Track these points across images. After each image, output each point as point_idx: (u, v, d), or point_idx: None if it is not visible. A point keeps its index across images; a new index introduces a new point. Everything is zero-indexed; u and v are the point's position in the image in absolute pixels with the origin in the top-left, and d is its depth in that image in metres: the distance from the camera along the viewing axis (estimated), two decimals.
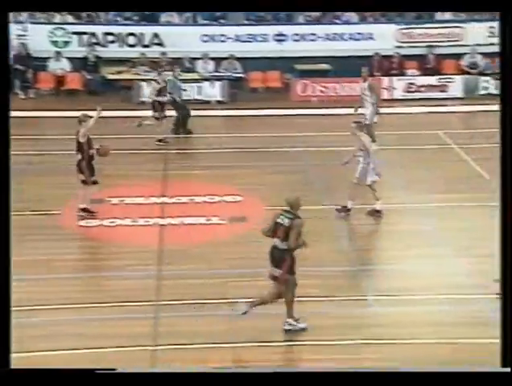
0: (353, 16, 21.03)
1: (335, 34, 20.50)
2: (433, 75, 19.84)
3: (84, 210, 11.66)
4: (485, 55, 19.94)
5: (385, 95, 19.71)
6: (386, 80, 19.80)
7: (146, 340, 8.30)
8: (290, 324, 8.52)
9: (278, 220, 8.50)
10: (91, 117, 11.63)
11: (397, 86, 19.65)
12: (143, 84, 19.12)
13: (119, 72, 19.72)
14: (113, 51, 20.05)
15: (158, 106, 15.66)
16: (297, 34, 20.52)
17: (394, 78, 19.79)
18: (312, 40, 20.42)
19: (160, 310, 8.97)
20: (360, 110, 15.48)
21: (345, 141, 15.72)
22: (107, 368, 5.00)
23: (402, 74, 20.07)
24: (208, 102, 19.13)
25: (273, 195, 12.88)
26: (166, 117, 15.82)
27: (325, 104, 18.74)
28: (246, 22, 20.97)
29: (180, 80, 17.14)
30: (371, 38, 20.43)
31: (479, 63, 19.86)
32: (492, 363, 7.76)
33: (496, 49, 22.65)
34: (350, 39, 20.45)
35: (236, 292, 9.40)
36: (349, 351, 8.11)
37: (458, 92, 19.59)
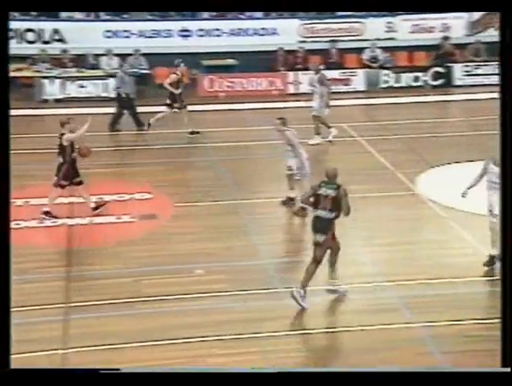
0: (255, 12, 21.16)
1: (239, 29, 20.58)
2: (336, 69, 20.25)
3: (46, 213, 11.48)
4: (384, 49, 20.54)
5: (291, 89, 20.00)
6: (291, 75, 20.05)
7: (56, 344, 8.09)
8: (334, 285, 9.17)
9: (321, 192, 8.97)
10: (71, 120, 11.64)
11: (302, 80, 19.94)
12: (45, 81, 18.59)
13: (19, 70, 19.06)
14: (12, 47, 19.32)
15: (178, 98, 15.69)
16: (202, 30, 20.47)
17: (299, 72, 20.08)
18: (217, 36, 20.43)
19: (71, 312, 8.76)
20: (309, 103, 15.73)
21: (254, 136, 15.90)
22: (111, 368, 5.02)
23: (307, 68, 20.38)
24: (114, 99, 18.79)
25: (182, 192, 12.86)
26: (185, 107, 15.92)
27: (233, 100, 18.80)
28: (150, 17, 20.73)
29: (130, 75, 16.97)
30: (275, 33, 20.64)
31: (379, 57, 20.43)
32: (401, 349, 8.09)
33: (394, 43, 23.51)
34: (255, 34, 20.59)
35: (150, 290, 9.31)
36: (261, 344, 8.16)
37: (360, 85, 20.09)
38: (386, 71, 20.17)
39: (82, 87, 19.01)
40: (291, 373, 5.12)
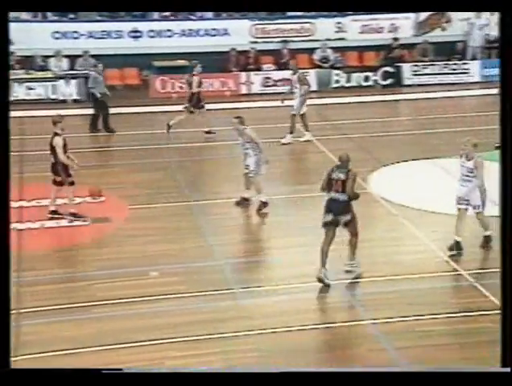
0: (206, 12, 21.12)
1: (190, 30, 20.53)
2: (288, 69, 20.34)
3: (54, 212, 11.40)
4: (334, 49, 20.74)
5: (243, 90, 20.03)
6: (243, 75, 20.09)
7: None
8: (351, 266, 9.58)
9: (334, 176, 9.58)
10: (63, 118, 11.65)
11: (254, 81, 20.00)
12: None
13: None
14: None
15: (196, 98, 15.65)
16: (153, 31, 20.35)
17: (252, 73, 20.12)
18: (169, 36, 20.34)
19: (22, 319, 8.59)
20: (289, 102, 15.80)
21: (208, 137, 15.87)
22: (113, 368, 5.00)
23: (259, 69, 20.45)
24: (64, 101, 18.55)
25: (136, 194, 12.75)
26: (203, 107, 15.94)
27: (185, 101, 18.72)
28: (99, 18, 20.51)
29: (102, 75, 16.72)
30: (226, 33, 20.65)
31: (330, 57, 20.61)
32: (355, 346, 8.18)
33: (345, 43, 23.64)
34: (206, 34, 20.57)
35: (104, 294, 9.20)
36: (219, 345, 8.15)
37: (312, 85, 20.21)
38: (336, 71, 20.37)
39: (31, 89, 18.70)
40: (291, 373, 5.09)
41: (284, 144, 15.03)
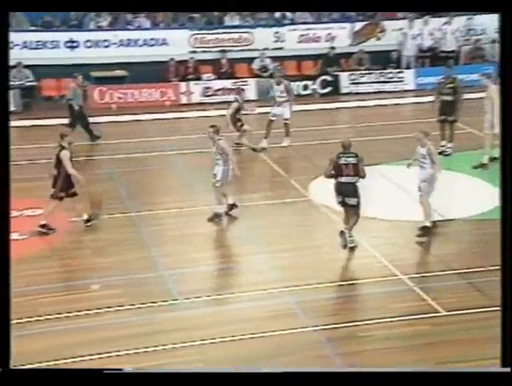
0: (144, 22, 21.04)
1: (128, 40, 20.40)
2: (228, 78, 20.45)
3: (43, 226, 11.37)
4: (273, 58, 20.93)
5: (183, 100, 20.00)
6: (183, 85, 20.06)
7: None
8: (352, 240, 10.55)
9: (342, 162, 10.44)
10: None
11: (194, 90, 19.99)
12: None
13: None
14: None
15: (237, 122, 15.58)
16: (89, 41, 20.14)
17: (191, 82, 20.11)
18: (106, 46, 20.15)
19: None
20: (274, 111, 16.11)
21: (150, 147, 15.76)
22: (113, 368, 4.95)
23: (199, 78, 20.46)
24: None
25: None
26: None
27: (125, 111, 18.58)
28: (33, 28, 20.18)
29: (82, 87, 16.57)
30: (165, 43, 20.60)
31: (269, 66, 20.78)
32: (300, 353, 8.24)
33: (283, 53, 23.80)
34: (144, 44, 20.47)
35: (46, 309, 9.03)
36: (163, 357, 8.09)
37: (252, 94, 20.36)
38: None
39: None
40: (291, 373, 5.07)
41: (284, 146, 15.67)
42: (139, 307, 9.14)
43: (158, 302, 9.26)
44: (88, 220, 11.62)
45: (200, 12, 21.19)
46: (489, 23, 21.75)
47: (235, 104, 15.75)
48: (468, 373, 5.09)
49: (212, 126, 12.02)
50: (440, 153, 14.82)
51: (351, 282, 9.90)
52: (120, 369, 5.06)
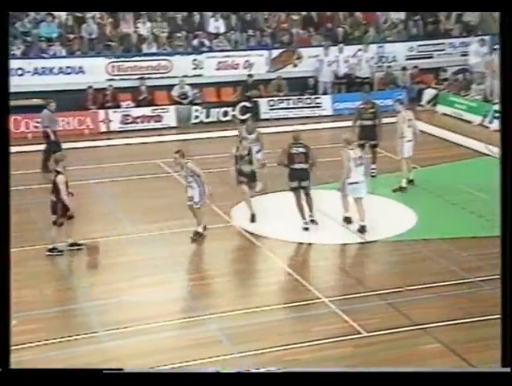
0: (59, 50, 20.73)
1: (43, 68, 20.05)
2: (147, 106, 20.36)
3: (52, 250, 11.42)
4: (192, 85, 21.00)
5: (102, 128, 19.76)
6: (101, 113, 19.84)
7: None
8: (312, 219, 12.32)
9: (294, 151, 12.31)
10: (65, 157, 11.81)
11: (113, 118, 19.79)
12: None
13: None
14: None
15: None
16: None
17: (110, 110, 19.92)
18: (20, 75, 19.73)
19: None
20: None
21: (73, 176, 15.40)
22: (113, 368, 4.90)
23: (118, 106, 20.28)
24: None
25: None
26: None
27: (42, 140, 18.19)
28: None
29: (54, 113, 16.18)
30: (82, 71, 20.35)
31: (188, 93, 20.83)
32: None
33: (202, 80, 23.84)
34: (60, 72, 20.16)
35: None
36: None
37: (172, 121, 20.35)
38: (196, 107, 20.61)
39: None
40: (291, 373, 4.99)
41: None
42: (60, 341, 8.90)
43: (81, 335, 9.04)
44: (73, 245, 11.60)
45: (201, 12, 21.43)
46: (399, 51, 22.56)
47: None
48: (468, 373, 5.06)
49: (176, 152, 12.20)
50: None
51: (274, 307, 9.94)
52: (120, 369, 5.01)
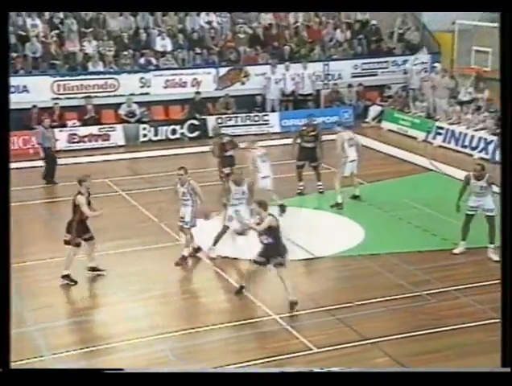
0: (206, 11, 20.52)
1: None
2: (94, 124, 20.18)
3: (66, 277, 11.20)
4: (140, 104, 20.91)
5: None
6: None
7: None
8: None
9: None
10: (89, 178, 11.65)
11: (60, 137, 19.51)
12: None
13: None
14: None
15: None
16: None
17: (56, 130, 19.64)
18: None
19: None
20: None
21: (17, 196, 15.12)
22: (114, 368, 4.86)
23: (64, 125, 20.03)
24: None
25: None
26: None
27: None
28: None
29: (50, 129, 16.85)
30: (26, 90, 20.06)
31: (136, 111, 20.72)
32: None
33: (150, 98, 23.75)
34: None
35: None
36: None
37: (120, 140, 20.20)
38: (144, 126, 20.51)
39: None
40: (291, 373, 4.93)
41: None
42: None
43: (24, 359, 8.83)
44: (93, 269, 11.55)
45: (201, 12, 21.49)
46: (344, 69, 22.93)
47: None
48: (468, 373, 5.05)
49: (180, 168, 12.13)
50: (299, 193, 15.33)
51: (226, 325, 9.92)
52: (120, 369, 4.98)
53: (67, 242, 11.29)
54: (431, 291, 10.78)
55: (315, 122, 16.65)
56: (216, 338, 9.51)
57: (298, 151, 15.47)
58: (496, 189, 11.69)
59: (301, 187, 15.47)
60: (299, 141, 15.56)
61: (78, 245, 11.33)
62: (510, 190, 5.34)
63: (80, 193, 11.36)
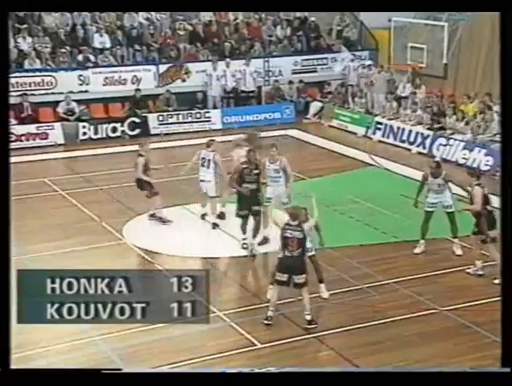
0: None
1: None
2: (31, 123, 19.76)
3: (153, 215, 13.62)
4: (79, 101, 20.57)
5: None
6: None
7: None
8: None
9: (246, 173, 12.06)
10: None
11: None
12: None
13: None
14: None
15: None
16: None
17: None
18: None
19: None
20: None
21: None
22: (113, 368, 4.89)
23: None
24: None
25: None
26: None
27: None
28: None
29: None
30: None
31: (75, 109, 20.38)
32: None
33: (89, 96, 23.41)
34: None
35: None
36: None
37: (59, 138, 19.84)
38: (83, 124, 20.20)
39: None
40: (291, 373, 4.92)
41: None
42: None
43: None
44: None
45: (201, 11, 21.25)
46: (284, 65, 23.06)
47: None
48: (468, 373, 5.06)
49: (272, 145, 12.30)
50: (244, 248, 14.77)
51: (168, 323, 9.85)
52: (119, 369, 5.00)
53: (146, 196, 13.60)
54: (373, 284, 10.97)
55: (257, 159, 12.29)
56: (159, 337, 9.44)
57: (237, 197, 12.34)
58: (453, 186, 11.96)
59: (246, 241, 12.35)
60: (237, 181, 12.12)
61: (149, 197, 13.68)
62: (511, 190, 5.45)
63: (140, 155, 13.46)
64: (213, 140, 13.78)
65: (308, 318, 9.63)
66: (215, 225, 13.18)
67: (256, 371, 5.40)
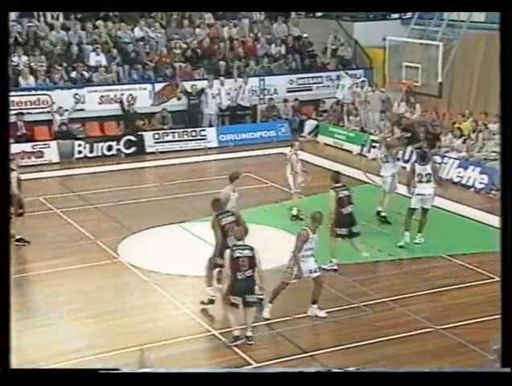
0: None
1: None
2: (27, 142, 19.74)
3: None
4: (75, 120, 20.55)
5: None
6: None
7: None
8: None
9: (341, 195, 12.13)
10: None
11: None
12: None
13: None
14: None
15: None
16: None
17: None
18: None
19: None
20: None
21: None
22: (111, 368, 4.84)
23: None
24: None
25: None
26: None
27: None
28: None
29: None
30: None
31: (69, 128, 20.37)
32: None
33: (84, 114, 23.39)
34: None
35: None
36: None
37: (54, 157, 19.83)
38: (79, 142, 20.19)
39: None
40: (291, 373, 4.87)
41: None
42: None
43: None
44: None
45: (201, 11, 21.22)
46: (279, 84, 23.15)
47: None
48: (468, 373, 5.04)
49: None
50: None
51: (165, 342, 9.81)
52: (117, 369, 4.94)
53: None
54: (369, 302, 10.94)
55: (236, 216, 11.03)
56: (157, 356, 9.38)
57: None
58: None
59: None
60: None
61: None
62: (511, 190, 5.38)
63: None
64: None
65: (249, 334, 9.61)
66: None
67: (257, 371, 5.36)
